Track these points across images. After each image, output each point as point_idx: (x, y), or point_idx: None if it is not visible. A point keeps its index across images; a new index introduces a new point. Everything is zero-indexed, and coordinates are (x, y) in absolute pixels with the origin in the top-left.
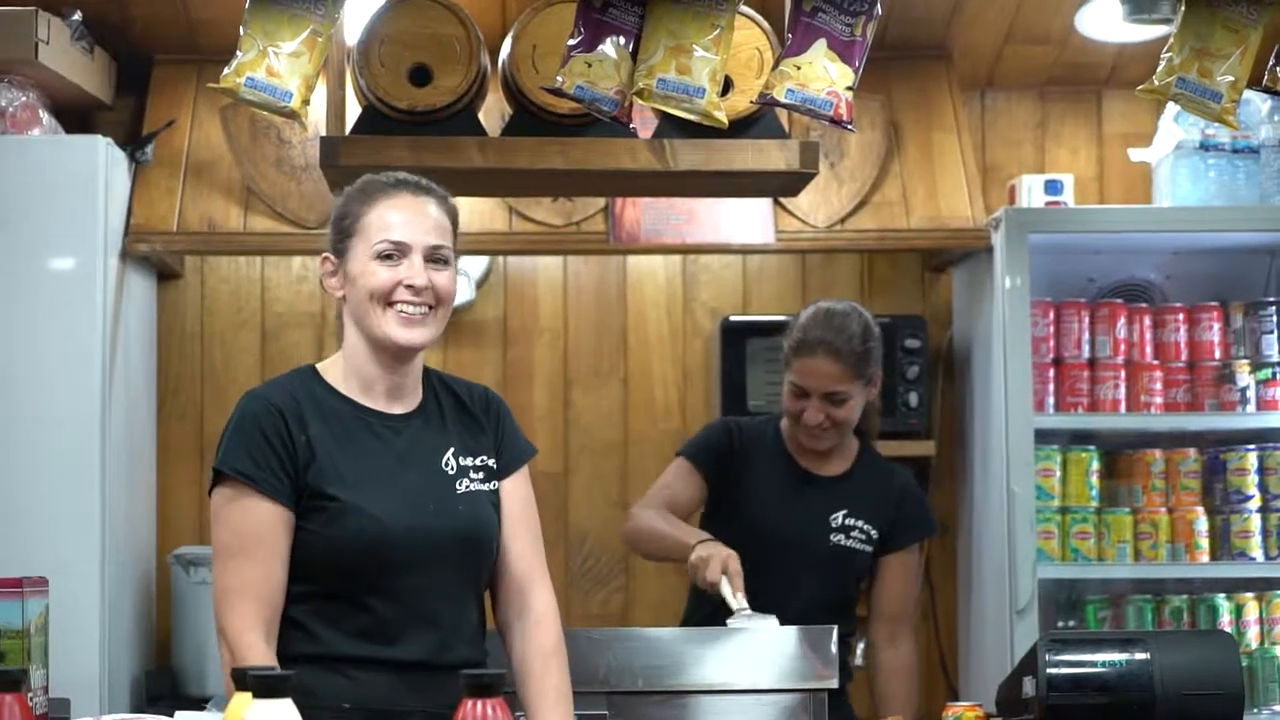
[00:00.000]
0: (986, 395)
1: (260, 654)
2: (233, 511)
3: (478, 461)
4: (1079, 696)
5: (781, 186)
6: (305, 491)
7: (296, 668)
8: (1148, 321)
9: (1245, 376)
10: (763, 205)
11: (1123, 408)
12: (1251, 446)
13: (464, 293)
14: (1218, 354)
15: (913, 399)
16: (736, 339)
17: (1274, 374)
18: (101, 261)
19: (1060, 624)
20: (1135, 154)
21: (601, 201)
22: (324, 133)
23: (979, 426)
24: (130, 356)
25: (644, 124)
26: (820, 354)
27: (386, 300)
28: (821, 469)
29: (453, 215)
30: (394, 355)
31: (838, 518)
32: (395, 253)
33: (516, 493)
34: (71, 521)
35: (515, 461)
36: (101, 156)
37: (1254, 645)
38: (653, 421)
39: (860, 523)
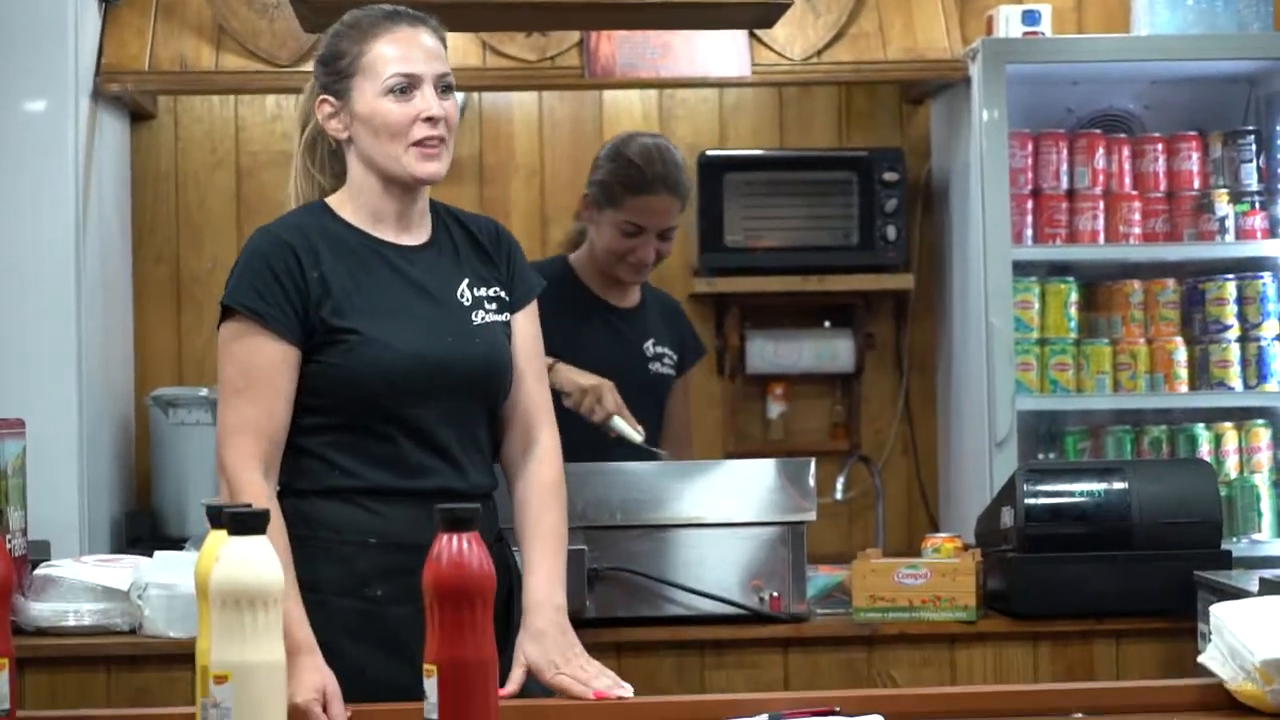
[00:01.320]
0: (965, 228)
1: (258, 489)
2: (238, 348)
3: (491, 293)
4: (1057, 526)
5: (757, 18)
6: (320, 327)
7: (319, 501)
8: (1126, 152)
9: (1224, 206)
10: (738, 38)
11: (1101, 239)
12: (1230, 276)
13: None
14: (1196, 184)
15: (890, 232)
16: (714, 173)
17: (1253, 203)
18: (73, 103)
19: (1040, 456)
20: None
21: (576, 36)
22: None
23: (957, 259)
24: (104, 198)
25: None
26: (661, 191)
27: (406, 136)
28: (621, 302)
29: (443, 39)
30: (407, 189)
31: (649, 346)
32: (407, 86)
33: (527, 328)
34: (48, 364)
35: (525, 296)
36: None
37: (1233, 475)
38: None
39: (665, 349)
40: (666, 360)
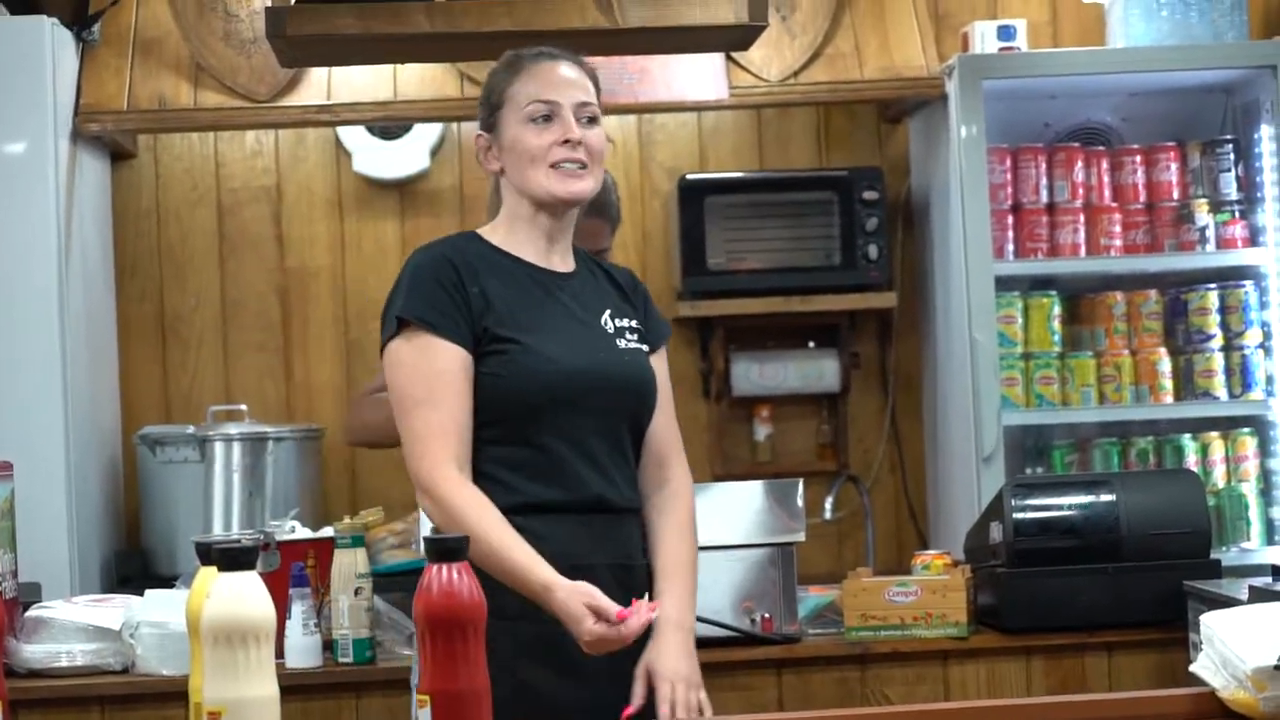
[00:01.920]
0: (946, 244)
1: (456, 484)
2: (415, 358)
3: (631, 324)
4: (1046, 540)
5: (732, 41)
6: (485, 336)
7: None
8: (1105, 164)
9: (1204, 216)
10: (715, 61)
11: (1082, 251)
12: (1212, 285)
13: (418, 161)
14: (1176, 194)
15: (872, 251)
16: (695, 196)
17: (1233, 212)
18: (52, 143)
19: (1027, 470)
20: None
21: None
22: (270, 3)
23: (939, 276)
24: (86, 238)
25: None
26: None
27: (545, 159)
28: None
29: (593, 77)
30: (555, 212)
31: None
32: (547, 113)
33: (661, 369)
34: (34, 405)
35: (659, 339)
36: (48, 37)
37: (1220, 484)
38: None
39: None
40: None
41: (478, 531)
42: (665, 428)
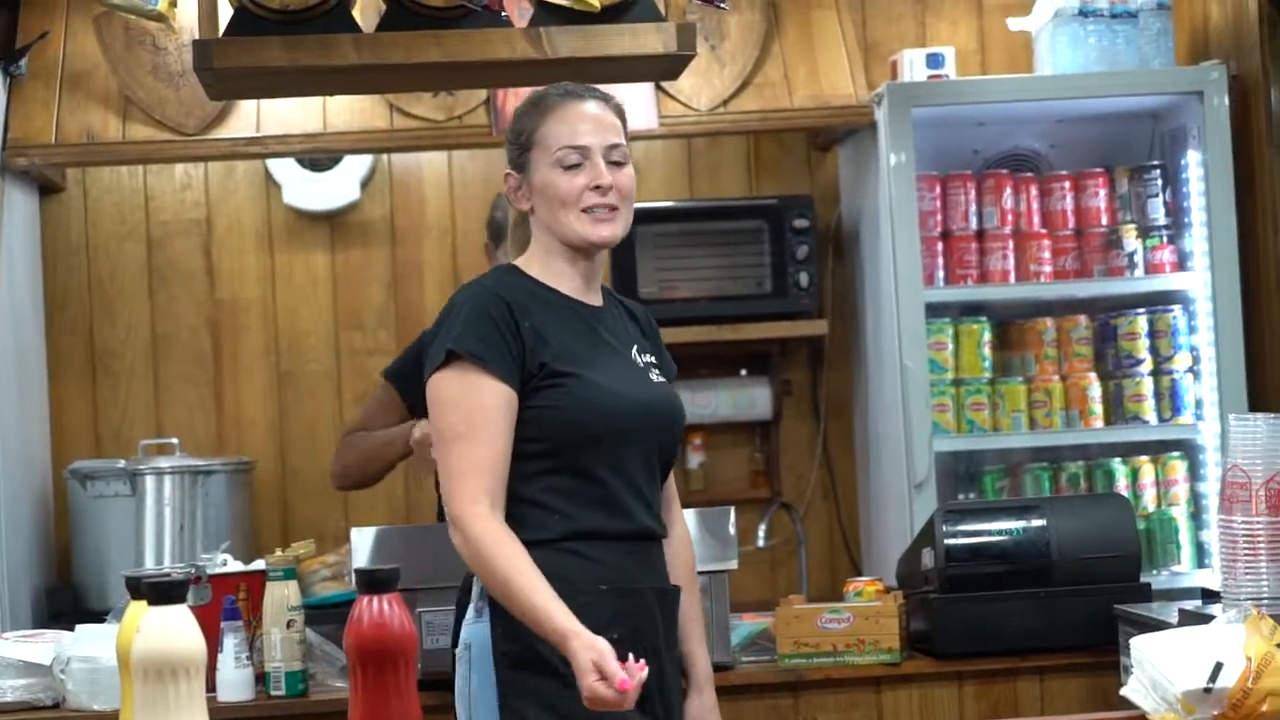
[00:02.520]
0: (876, 272)
1: (485, 520)
2: (461, 392)
3: (653, 360)
4: (977, 565)
5: (661, 70)
6: (539, 372)
7: (541, 553)
8: (1034, 191)
9: (1133, 241)
10: (645, 91)
11: (1012, 278)
12: (1141, 310)
13: (348, 193)
14: (1105, 220)
15: (803, 279)
16: None
17: (1161, 237)
18: None
19: (959, 496)
20: (1014, 23)
21: (483, 94)
22: (197, 36)
23: (870, 303)
24: (15, 272)
25: (520, 15)
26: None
27: (576, 204)
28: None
29: (620, 114)
30: (587, 254)
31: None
32: (578, 158)
33: None
34: None
35: (671, 375)
36: None
37: (1151, 508)
38: None
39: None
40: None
41: (505, 571)
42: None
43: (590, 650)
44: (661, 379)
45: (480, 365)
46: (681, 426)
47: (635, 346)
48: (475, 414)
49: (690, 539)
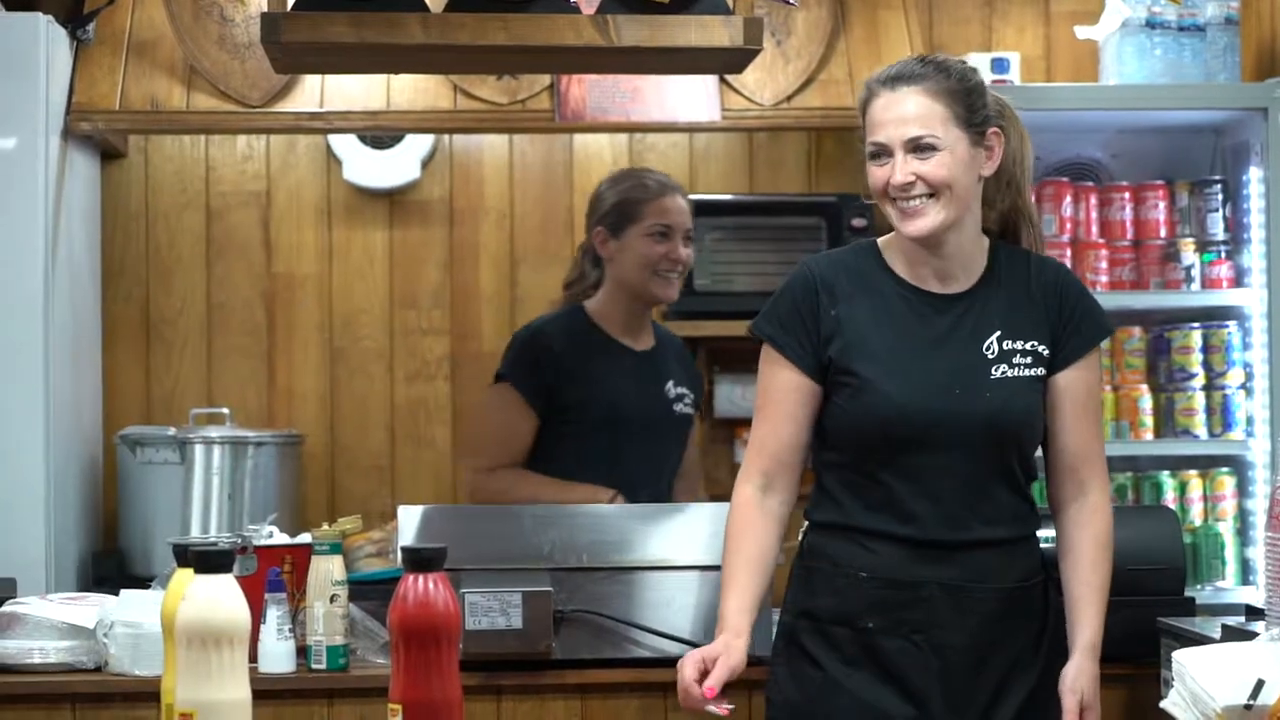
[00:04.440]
0: None
1: (743, 497)
2: (763, 370)
3: (1025, 346)
4: None
5: (726, 63)
6: (830, 366)
7: (824, 534)
8: (1094, 200)
9: (1190, 255)
10: (709, 83)
11: None
12: (1196, 325)
13: (409, 172)
14: (1163, 232)
15: None
16: None
17: (1219, 253)
18: (43, 141)
19: None
20: (1082, 32)
21: (547, 79)
22: (265, 9)
23: None
24: (74, 237)
25: (589, 2)
26: (674, 193)
27: (888, 198)
28: (639, 345)
29: (947, 94)
30: (920, 245)
31: (670, 387)
32: (880, 152)
33: (1080, 379)
34: (16, 403)
35: (1081, 348)
36: (42, 34)
37: (1197, 522)
38: None
39: (684, 389)
40: (686, 400)
41: (727, 550)
42: (1081, 439)
43: (713, 647)
44: (1021, 373)
45: (776, 348)
46: (1011, 430)
47: (997, 334)
48: (768, 392)
49: (1107, 508)
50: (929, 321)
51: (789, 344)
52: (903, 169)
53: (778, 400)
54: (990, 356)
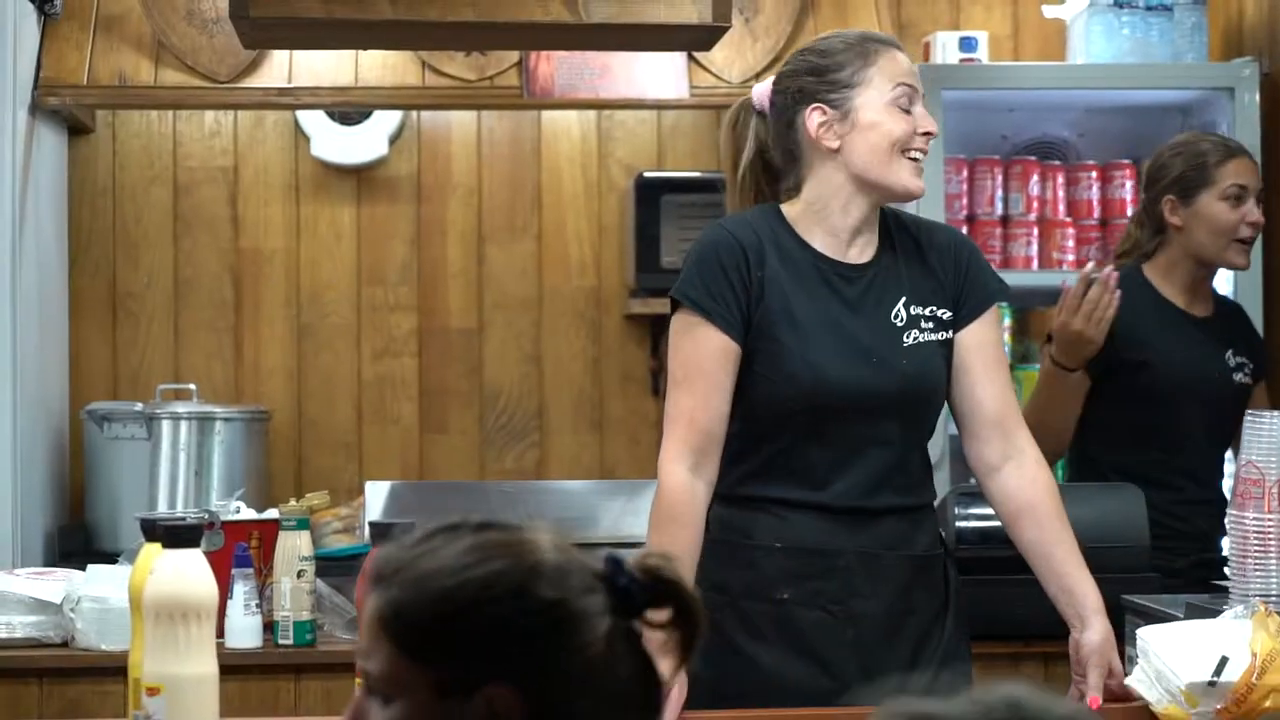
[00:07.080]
0: None
1: (676, 481)
2: (684, 341)
3: (928, 311)
4: (987, 548)
5: (695, 41)
6: (751, 331)
7: (732, 506)
8: (1061, 179)
9: None
10: (677, 60)
11: (1035, 265)
12: None
13: (376, 148)
14: (1130, 211)
15: None
16: (651, 195)
17: None
18: (10, 116)
19: (972, 480)
20: (1049, 10)
21: (515, 56)
22: None
23: None
24: (41, 212)
25: None
26: (1242, 154)
27: (903, 147)
28: (1199, 311)
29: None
30: (874, 204)
31: (1230, 356)
32: (908, 97)
33: (985, 337)
34: None
35: (979, 308)
36: (9, 8)
37: None
38: (567, 278)
39: (1244, 358)
40: (1246, 370)
41: (660, 540)
42: (1000, 395)
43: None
44: (929, 337)
45: (702, 315)
46: (926, 395)
47: (903, 300)
48: (693, 363)
49: (1043, 461)
50: (841, 290)
51: (717, 309)
52: (1254, 210)
53: (707, 370)
54: (899, 324)
